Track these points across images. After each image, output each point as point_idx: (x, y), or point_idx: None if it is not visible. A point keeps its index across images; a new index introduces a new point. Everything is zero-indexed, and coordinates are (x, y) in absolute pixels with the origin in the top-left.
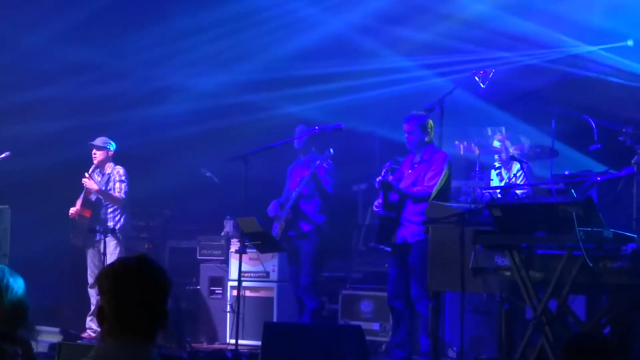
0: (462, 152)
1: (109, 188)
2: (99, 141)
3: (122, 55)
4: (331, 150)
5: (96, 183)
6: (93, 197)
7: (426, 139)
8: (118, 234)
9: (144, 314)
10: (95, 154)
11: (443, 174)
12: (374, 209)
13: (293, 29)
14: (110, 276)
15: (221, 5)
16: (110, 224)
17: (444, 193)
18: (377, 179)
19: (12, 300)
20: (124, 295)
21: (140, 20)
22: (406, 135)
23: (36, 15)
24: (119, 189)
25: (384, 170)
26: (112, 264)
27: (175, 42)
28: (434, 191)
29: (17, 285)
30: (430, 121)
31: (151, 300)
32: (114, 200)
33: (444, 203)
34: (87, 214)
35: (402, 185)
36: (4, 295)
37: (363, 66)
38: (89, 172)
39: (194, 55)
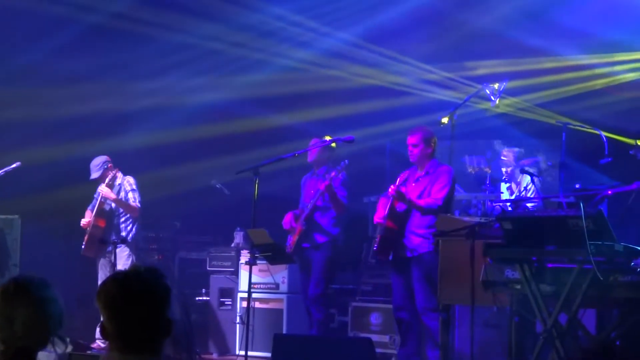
0: (472, 172)
1: (120, 197)
2: (94, 170)
3: (129, 67)
4: (346, 161)
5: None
6: (107, 207)
7: (429, 153)
8: (130, 245)
9: (142, 327)
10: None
11: (450, 187)
12: (375, 219)
13: (297, 42)
14: (106, 293)
15: (231, 17)
16: (123, 234)
17: (447, 206)
18: (391, 187)
19: (39, 313)
20: (118, 312)
21: (149, 30)
22: (409, 148)
23: (35, 30)
24: (133, 199)
25: (399, 179)
26: (106, 281)
27: (183, 53)
28: (443, 203)
29: (46, 297)
30: (435, 137)
31: (147, 312)
32: (131, 209)
33: (453, 216)
34: (101, 223)
35: (411, 196)
36: (31, 309)
37: (371, 78)
38: (105, 184)
39: (203, 67)
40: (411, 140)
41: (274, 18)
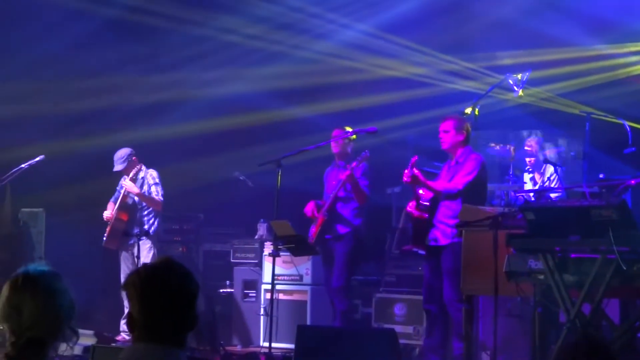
0: (497, 149)
1: (143, 191)
2: (118, 163)
3: (149, 59)
4: (367, 151)
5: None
6: (130, 201)
7: (461, 140)
8: (152, 237)
9: (172, 319)
10: (125, 175)
11: (475, 175)
12: (407, 209)
13: (317, 34)
14: (136, 283)
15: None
16: (145, 227)
17: (480, 195)
18: (405, 172)
19: (48, 304)
20: (151, 302)
21: (168, 23)
22: (440, 134)
23: (56, 23)
24: (156, 192)
25: (409, 165)
26: (137, 270)
27: (204, 45)
28: (463, 188)
29: (56, 288)
30: (467, 125)
31: (179, 305)
32: (155, 203)
33: (478, 206)
34: (124, 217)
35: (430, 182)
36: (40, 299)
37: (392, 70)
38: (129, 177)
39: (224, 59)
40: (443, 126)
41: (292, 10)
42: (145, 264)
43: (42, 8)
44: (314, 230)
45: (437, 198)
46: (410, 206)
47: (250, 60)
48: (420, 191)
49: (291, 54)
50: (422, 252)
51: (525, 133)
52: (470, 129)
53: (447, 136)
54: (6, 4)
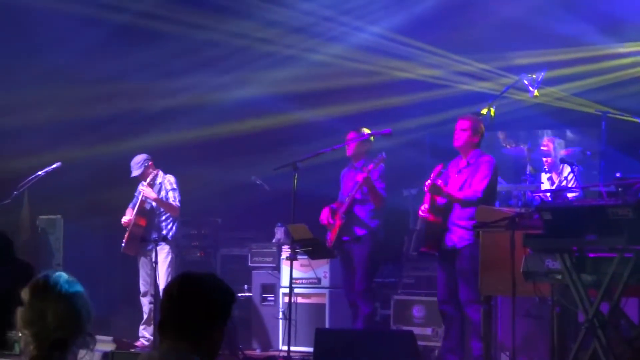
0: (510, 149)
1: (161, 197)
2: (135, 168)
3: (162, 64)
4: (383, 153)
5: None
6: (148, 206)
7: (475, 142)
8: (170, 243)
9: (202, 330)
10: (143, 181)
11: (490, 178)
12: (420, 213)
13: (329, 37)
14: (175, 289)
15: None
16: (164, 232)
17: (491, 197)
18: (426, 183)
19: (69, 306)
20: (187, 311)
21: (179, 28)
22: (457, 131)
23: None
24: (173, 198)
25: (433, 173)
26: (181, 277)
27: (222, 49)
28: (483, 195)
29: (75, 291)
30: (483, 128)
31: (211, 320)
32: (172, 209)
33: (493, 207)
34: (143, 222)
35: (449, 189)
36: (62, 302)
37: (406, 72)
38: (147, 183)
39: (238, 63)
40: (461, 124)
41: (305, 13)
42: (186, 273)
43: (54, 16)
44: (331, 235)
45: (450, 200)
46: (423, 210)
47: (264, 63)
48: None
49: (305, 57)
50: (435, 253)
51: (539, 132)
52: (484, 131)
53: (464, 134)
54: (20, 13)
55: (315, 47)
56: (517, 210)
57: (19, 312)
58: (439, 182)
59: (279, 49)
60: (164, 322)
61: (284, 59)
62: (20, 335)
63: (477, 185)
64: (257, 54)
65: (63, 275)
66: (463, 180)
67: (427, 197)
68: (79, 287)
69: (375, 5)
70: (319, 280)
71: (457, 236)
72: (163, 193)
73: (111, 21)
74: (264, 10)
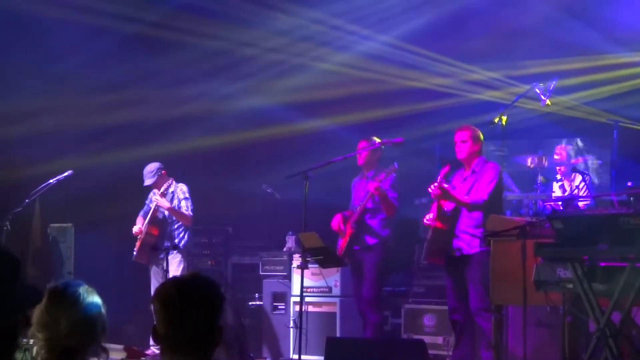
0: (530, 166)
1: (173, 205)
2: (148, 177)
3: (172, 73)
4: (395, 164)
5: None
6: (160, 215)
7: (477, 150)
8: (182, 251)
9: (197, 333)
10: (154, 190)
11: (495, 183)
12: (425, 222)
13: (338, 46)
14: (161, 296)
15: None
16: (175, 241)
17: (497, 202)
18: (431, 186)
19: (84, 316)
20: (178, 313)
21: (188, 37)
22: (457, 144)
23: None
24: (186, 207)
25: (439, 175)
26: (164, 284)
27: (230, 58)
28: (488, 198)
29: (92, 302)
30: (482, 135)
31: (204, 319)
32: (185, 218)
33: (504, 216)
34: (155, 231)
35: (456, 193)
36: (77, 311)
37: (415, 81)
38: (160, 192)
39: (248, 72)
40: (459, 136)
41: (313, 22)
42: (172, 278)
43: (65, 25)
44: (342, 243)
45: (458, 208)
46: (428, 219)
47: (273, 72)
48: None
49: (315, 66)
50: (440, 262)
51: (552, 142)
52: (483, 138)
53: (465, 146)
54: (31, 22)
55: (324, 56)
56: (528, 219)
57: (35, 314)
58: (445, 185)
59: (288, 57)
60: (157, 333)
61: (294, 67)
62: (33, 341)
63: (483, 189)
64: (267, 63)
65: (83, 285)
66: (469, 187)
67: (434, 207)
68: (97, 299)
69: (385, 14)
70: (329, 289)
71: (465, 243)
72: (175, 202)
73: (122, 30)
74: (274, 19)
